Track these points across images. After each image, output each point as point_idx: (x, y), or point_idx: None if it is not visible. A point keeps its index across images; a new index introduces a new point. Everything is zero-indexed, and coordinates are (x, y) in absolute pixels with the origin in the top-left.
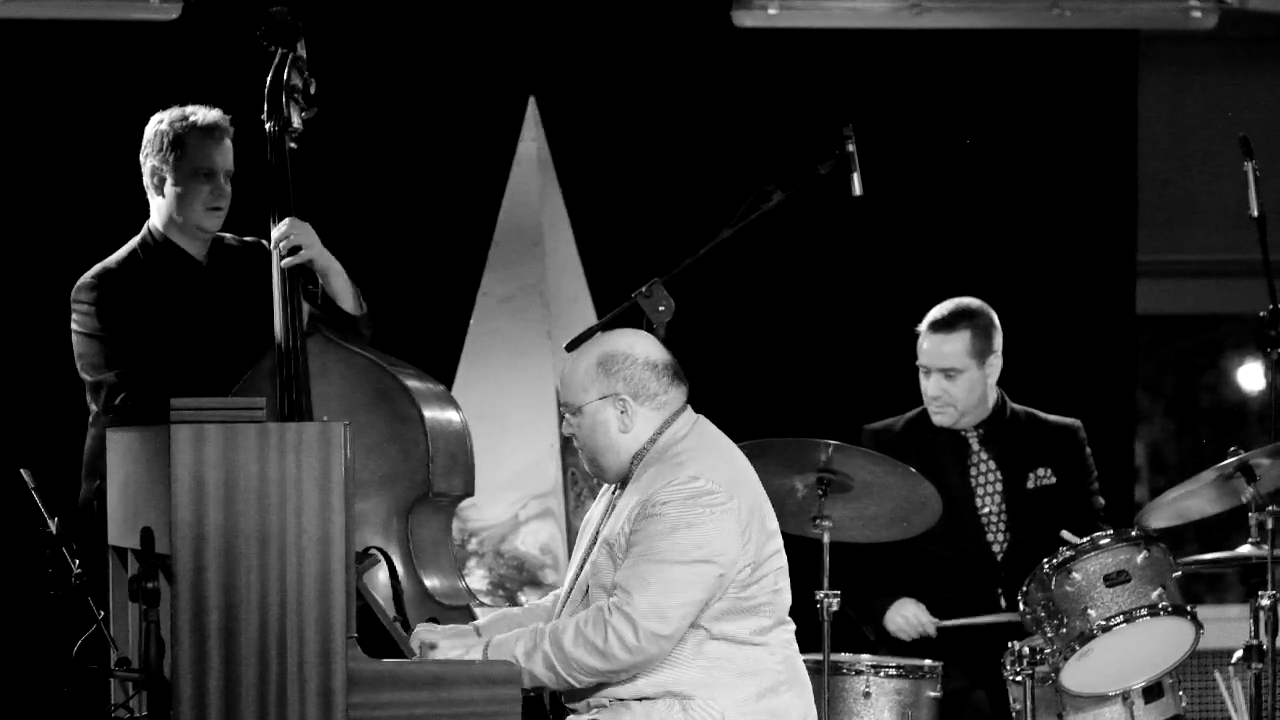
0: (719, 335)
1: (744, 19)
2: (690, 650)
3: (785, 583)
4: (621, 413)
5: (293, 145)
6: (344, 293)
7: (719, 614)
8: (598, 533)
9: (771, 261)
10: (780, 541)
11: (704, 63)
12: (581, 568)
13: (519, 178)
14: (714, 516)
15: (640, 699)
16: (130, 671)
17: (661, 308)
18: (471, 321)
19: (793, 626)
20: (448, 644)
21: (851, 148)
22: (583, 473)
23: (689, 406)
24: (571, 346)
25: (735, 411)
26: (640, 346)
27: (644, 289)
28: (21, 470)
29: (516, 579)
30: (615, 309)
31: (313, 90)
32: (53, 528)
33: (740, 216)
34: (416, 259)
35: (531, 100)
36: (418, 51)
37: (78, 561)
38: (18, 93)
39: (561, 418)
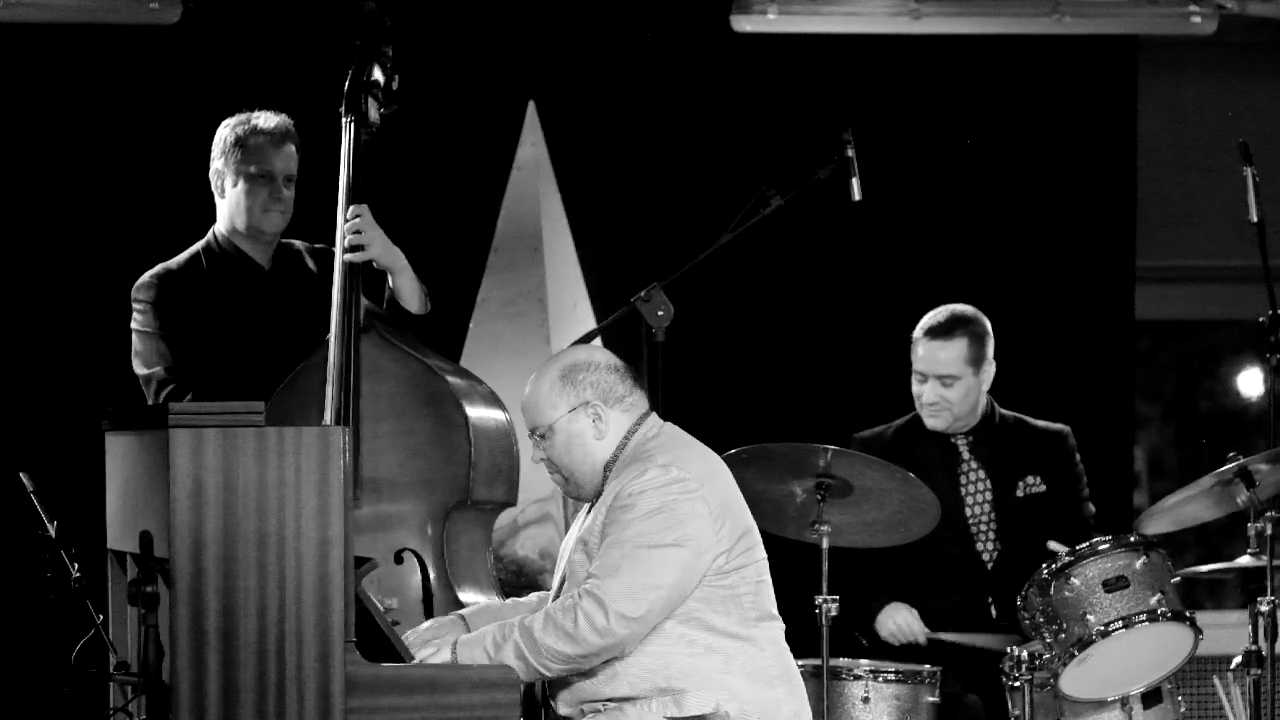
0: (718, 340)
1: (743, 24)
2: (679, 645)
3: (768, 578)
4: (595, 420)
5: (366, 139)
6: (409, 291)
7: (703, 603)
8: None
9: (771, 266)
10: (759, 539)
11: (703, 68)
12: (563, 583)
13: (518, 183)
14: (685, 502)
15: (633, 699)
16: (129, 675)
17: (660, 312)
18: (471, 326)
19: (782, 626)
20: (419, 639)
21: (851, 153)
22: None
23: (654, 412)
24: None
25: (732, 416)
26: (598, 354)
27: (643, 293)
28: (20, 474)
29: (515, 583)
30: (614, 313)
31: (395, 87)
32: (51, 531)
33: (739, 221)
34: (416, 263)
35: (531, 105)
36: (417, 56)
37: (76, 565)
38: (17, 96)
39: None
